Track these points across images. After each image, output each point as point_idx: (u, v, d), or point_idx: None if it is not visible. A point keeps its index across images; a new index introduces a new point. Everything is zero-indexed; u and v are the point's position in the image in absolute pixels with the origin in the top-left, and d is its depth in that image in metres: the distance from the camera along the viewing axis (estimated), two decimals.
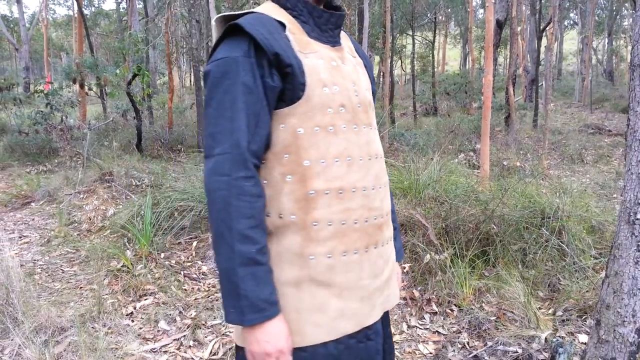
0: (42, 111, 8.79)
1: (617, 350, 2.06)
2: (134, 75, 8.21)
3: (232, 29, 1.07)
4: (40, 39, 31.06)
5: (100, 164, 6.62)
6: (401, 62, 25.68)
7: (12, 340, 2.60)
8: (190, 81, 30.49)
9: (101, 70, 7.47)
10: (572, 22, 32.42)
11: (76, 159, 8.41)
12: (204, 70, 1.12)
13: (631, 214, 2.01)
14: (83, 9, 13.54)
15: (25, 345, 2.51)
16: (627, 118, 2.06)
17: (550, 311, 2.88)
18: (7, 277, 2.69)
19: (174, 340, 2.76)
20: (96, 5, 29.54)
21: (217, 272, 1.04)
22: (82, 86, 9.03)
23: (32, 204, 5.74)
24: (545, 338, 2.44)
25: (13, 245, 4.27)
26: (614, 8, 25.32)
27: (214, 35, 1.16)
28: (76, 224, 4.79)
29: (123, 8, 24.81)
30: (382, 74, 14.60)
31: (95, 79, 8.29)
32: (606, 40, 27.67)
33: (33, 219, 5.19)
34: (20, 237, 4.59)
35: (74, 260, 3.95)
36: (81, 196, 5.61)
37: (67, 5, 37.74)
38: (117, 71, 7.81)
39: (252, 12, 1.12)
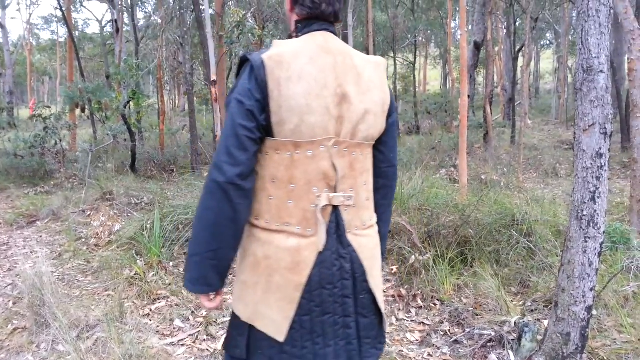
0: (39, 135, 9.09)
1: (571, 326, 2.46)
2: (129, 99, 8.58)
3: None
4: (22, 63, 31.25)
5: (100, 184, 6.92)
6: None
7: (46, 336, 2.93)
8: (175, 103, 30.86)
9: (102, 95, 7.84)
10: (548, 42, 33.59)
11: (72, 180, 8.71)
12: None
13: (579, 211, 2.43)
14: (72, 34, 13.88)
15: (59, 341, 2.84)
16: (574, 132, 2.49)
17: (520, 303, 3.28)
18: (40, 282, 3.02)
19: (189, 335, 3.10)
20: (80, 30, 29.94)
21: None
22: (83, 110, 9.36)
23: (38, 222, 6.03)
24: (515, 322, 2.83)
25: (27, 260, 4.57)
26: None
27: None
28: (84, 240, 5.10)
29: (107, 32, 25.21)
30: None
31: (93, 103, 8.62)
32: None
33: (41, 236, 5.48)
34: (32, 252, 4.88)
35: (87, 272, 4.26)
36: (86, 214, 5.91)
37: (50, 30, 38.11)
38: (114, 95, 8.17)
39: None
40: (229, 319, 3.25)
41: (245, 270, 1.37)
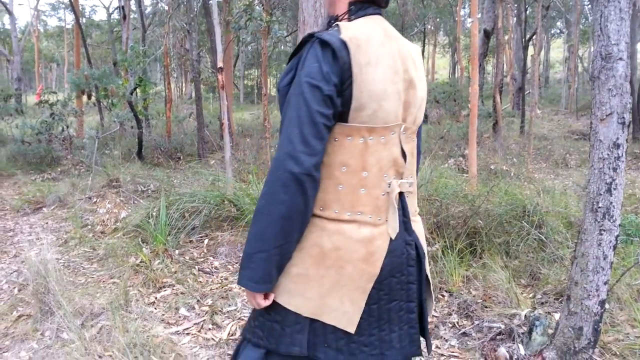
0: (46, 121, 9.07)
1: (584, 320, 2.40)
2: (136, 86, 8.53)
3: None
4: (30, 50, 31.25)
5: (107, 171, 6.90)
6: None
7: (50, 324, 2.91)
8: (182, 91, 30.81)
9: (108, 81, 7.80)
10: (558, 30, 33.17)
11: (79, 167, 8.71)
12: None
13: (594, 203, 2.36)
14: (79, 21, 13.81)
15: (63, 329, 2.82)
16: (590, 122, 2.42)
17: (530, 295, 3.23)
18: (45, 269, 2.99)
19: (195, 324, 3.07)
20: (87, 16, 29.87)
21: None
22: (89, 97, 9.34)
23: (44, 209, 6.02)
24: (525, 315, 2.78)
25: (32, 246, 4.56)
26: None
27: None
28: (89, 227, 5.08)
29: (114, 19, 25.14)
30: None
31: (99, 90, 8.60)
32: (592, 49, 28.35)
33: (47, 223, 5.47)
34: (38, 239, 4.87)
35: (92, 259, 4.25)
36: (92, 201, 5.89)
37: (58, 16, 38.05)
38: (120, 82, 8.13)
39: None
40: (234, 308, 3.24)
41: (303, 262, 1.28)
